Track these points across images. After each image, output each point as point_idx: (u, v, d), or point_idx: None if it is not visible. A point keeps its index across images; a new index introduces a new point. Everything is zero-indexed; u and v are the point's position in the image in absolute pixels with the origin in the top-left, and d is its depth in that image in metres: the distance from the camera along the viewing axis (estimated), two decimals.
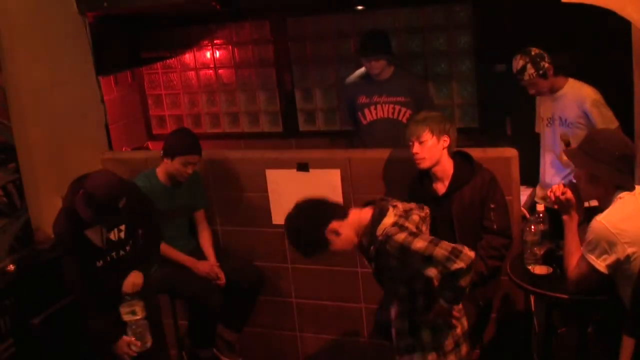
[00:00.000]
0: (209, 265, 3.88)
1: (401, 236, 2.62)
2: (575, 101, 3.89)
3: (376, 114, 4.47)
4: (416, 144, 3.30)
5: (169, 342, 4.27)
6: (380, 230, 2.68)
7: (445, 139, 3.30)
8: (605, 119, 3.79)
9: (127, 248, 3.49)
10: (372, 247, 2.74)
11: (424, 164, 3.31)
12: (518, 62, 3.87)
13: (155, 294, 3.94)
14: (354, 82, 4.60)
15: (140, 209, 3.48)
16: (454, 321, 2.81)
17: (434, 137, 3.28)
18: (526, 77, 3.86)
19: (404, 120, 4.34)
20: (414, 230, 2.68)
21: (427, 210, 2.93)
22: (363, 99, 4.48)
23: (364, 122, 4.51)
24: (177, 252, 3.89)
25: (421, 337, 2.81)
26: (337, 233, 2.75)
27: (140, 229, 3.55)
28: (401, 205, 2.81)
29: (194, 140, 3.83)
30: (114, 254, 3.45)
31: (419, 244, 2.60)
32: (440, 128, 3.30)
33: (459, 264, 2.56)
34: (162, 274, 3.87)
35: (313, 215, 2.80)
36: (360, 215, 2.78)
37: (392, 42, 5.20)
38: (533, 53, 3.84)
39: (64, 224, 3.35)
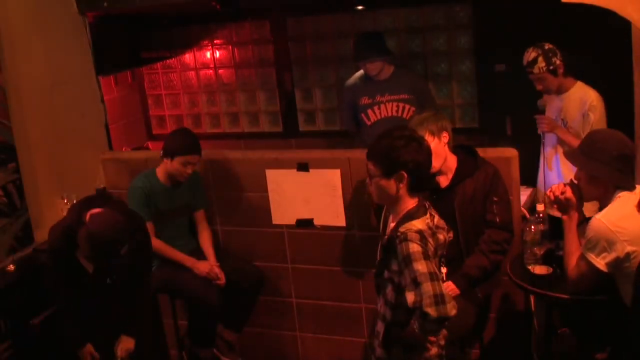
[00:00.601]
0: (208, 265, 3.88)
1: (414, 247, 2.51)
2: (578, 104, 3.88)
3: (380, 113, 4.47)
4: None
5: (169, 342, 4.28)
6: (405, 228, 2.57)
7: (445, 135, 3.31)
8: (596, 126, 3.78)
9: (114, 277, 3.36)
10: (386, 237, 2.68)
11: (434, 167, 3.30)
12: (530, 54, 3.84)
13: (155, 294, 3.95)
14: (354, 84, 4.61)
15: (139, 258, 3.35)
16: (427, 344, 2.68)
17: (435, 138, 3.29)
18: (536, 70, 3.83)
19: (408, 117, 4.35)
20: (432, 250, 2.57)
21: (451, 234, 2.83)
22: (365, 100, 4.49)
23: (368, 122, 4.51)
24: (176, 252, 3.89)
25: (392, 352, 2.73)
26: (396, 183, 2.59)
27: (132, 276, 3.40)
28: (436, 218, 2.69)
29: (193, 140, 3.83)
30: (100, 280, 3.33)
31: (421, 266, 2.49)
32: (438, 127, 3.30)
33: (430, 309, 2.45)
34: (162, 274, 3.87)
35: (415, 154, 2.58)
36: (409, 201, 2.64)
37: (392, 42, 5.24)
38: (546, 47, 3.82)
39: (59, 239, 3.25)
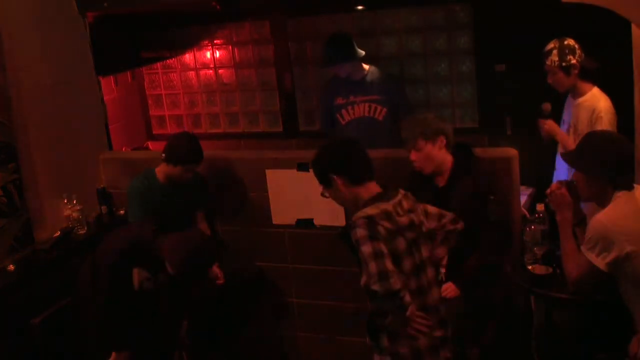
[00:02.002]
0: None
1: (360, 232, 2.64)
2: (588, 112, 3.80)
3: (353, 113, 4.57)
4: (413, 152, 3.30)
5: None
6: (355, 216, 2.71)
7: (442, 139, 3.30)
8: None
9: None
10: (341, 227, 2.83)
11: (425, 171, 3.33)
12: (549, 45, 3.79)
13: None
14: (329, 85, 4.75)
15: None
16: (414, 333, 2.73)
17: (429, 143, 3.28)
18: (548, 62, 3.78)
19: (380, 117, 4.50)
20: (383, 233, 2.65)
21: (460, 225, 2.95)
22: (340, 100, 4.60)
23: (343, 122, 4.61)
24: None
25: (379, 340, 2.79)
26: (336, 186, 2.79)
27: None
28: (406, 203, 2.78)
29: (197, 148, 3.81)
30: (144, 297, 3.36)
31: (365, 247, 2.62)
32: (433, 130, 3.30)
33: (375, 286, 2.58)
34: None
35: (332, 156, 2.84)
36: (366, 191, 2.79)
37: (393, 42, 5.26)
38: (566, 42, 3.75)
39: (124, 253, 3.30)
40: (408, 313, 2.65)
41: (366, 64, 4.60)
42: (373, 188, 2.79)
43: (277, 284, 4.17)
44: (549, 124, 3.88)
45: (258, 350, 4.30)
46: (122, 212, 4.25)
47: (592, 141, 2.87)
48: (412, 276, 2.73)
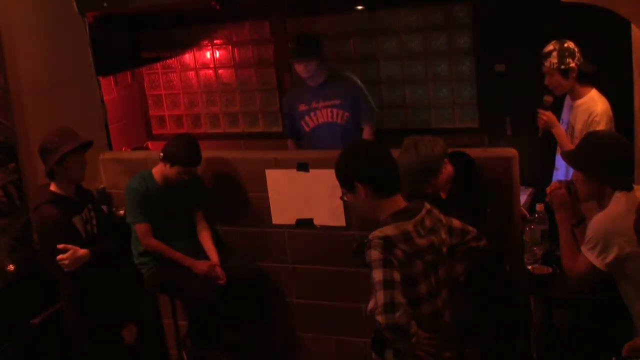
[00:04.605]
0: (208, 265, 3.88)
1: (375, 254, 2.56)
2: (584, 115, 3.81)
3: (317, 119, 4.63)
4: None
5: (169, 342, 4.29)
6: (372, 235, 2.61)
7: (445, 162, 3.22)
8: None
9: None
10: (357, 244, 2.72)
11: (444, 194, 3.29)
12: (548, 46, 3.79)
13: (155, 294, 3.96)
14: (292, 92, 4.84)
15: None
16: (422, 354, 2.67)
17: (438, 174, 3.22)
18: (547, 64, 3.78)
19: (342, 122, 4.57)
20: (400, 256, 2.57)
21: (483, 242, 2.88)
22: (302, 107, 4.66)
23: (307, 129, 4.67)
24: (175, 252, 3.88)
25: (385, 356, 2.75)
26: (358, 194, 2.67)
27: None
28: (429, 221, 2.69)
29: (196, 151, 3.81)
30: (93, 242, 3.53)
31: (377, 274, 2.55)
32: (436, 164, 3.19)
33: (380, 317, 2.52)
34: (162, 274, 3.87)
35: (360, 161, 2.69)
36: (390, 204, 2.67)
37: (392, 42, 5.26)
38: (566, 45, 3.76)
39: (54, 210, 3.41)
40: (413, 341, 2.59)
41: (328, 69, 4.64)
42: (398, 202, 2.68)
43: (277, 284, 4.17)
44: (548, 115, 3.88)
45: (258, 349, 4.30)
46: (121, 212, 4.24)
47: (592, 141, 2.87)
48: (426, 301, 2.68)
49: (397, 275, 2.56)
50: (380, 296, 2.53)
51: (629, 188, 2.79)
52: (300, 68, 4.56)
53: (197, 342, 4.07)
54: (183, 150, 3.78)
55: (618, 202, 2.76)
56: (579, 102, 3.87)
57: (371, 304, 2.57)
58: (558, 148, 4.07)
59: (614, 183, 2.78)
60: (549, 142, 4.07)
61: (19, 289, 3.74)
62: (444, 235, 2.76)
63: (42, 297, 3.78)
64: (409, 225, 2.62)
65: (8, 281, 3.73)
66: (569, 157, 2.96)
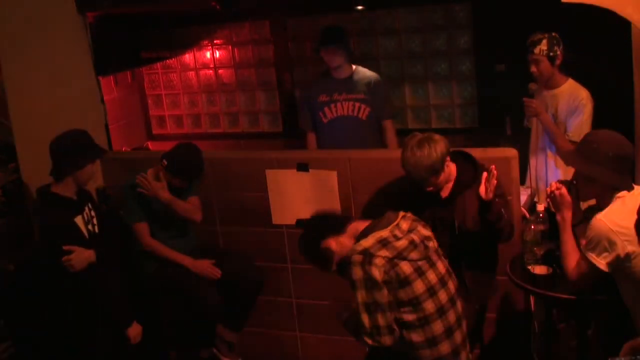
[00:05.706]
0: (207, 264, 3.87)
1: (356, 273, 2.68)
2: (568, 100, 3.89)
3: (336, 111, 4.56)
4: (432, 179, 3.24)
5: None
6: (351, 251, 2.72)
7: (447, 159, 3.21)
8: (583, 125, 3.79)
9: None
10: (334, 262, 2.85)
11: (445, 193, 3.30)
12: (535, 35, 3.88)
13: (155, 293, 3.95)
14: (315, 81, 4.74)
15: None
16: None
17: (440, 173, 3.20)
18: (537, 51, 3.85)
19: (364, 117, 4.49)
20: (382, 263, 2.66)
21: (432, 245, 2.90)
22: (323, 97, 4.58)
23: (325, 120, 4.59)
24: (173, 252, 3.89)
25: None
26: (330, 249, 2.82)
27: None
28: (405, 224, 2.77)
29: (200, 165, 3.81)
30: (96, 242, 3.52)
31: (359, 295, 2.66)
32: (439, 161, 3.15)
33: (367, 339, 2.67)
34: (161, 274, 3.87)
35: (310, 235, 2.92)
36: (359, 226, 2.81)
37: (393, 42, 5.26)
38: (553, 34, 3.86)
39: (59, 213, 3.41)
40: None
41: (354, 64, 4.60)
42: (358, 226, 2.82)
43: (277, 284, 4.16)
44: (536, 103, 3.92)
45: (257, 349, 4.30)
46: (121, 212, 4.24)
47: (592, 141, 2.87)
48: (427, 298, 2.72)
49: (379, 294, 2.64)
50: (364, 319, 2.63)
51: (629, 188, 2.79)
52: (327, 58, 4.49)
53: (196, 342, 4.06)
54: (188, 164, 3.79)
55: (619, 202, 2.76)
56: (557, 90, 3.95)
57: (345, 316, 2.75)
58: (532, 143, 4.13)
59: (614, 183, 2.78)
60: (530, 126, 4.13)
61: (19, 289, 3.74)
62: (423, 231, 2.82)
63: (41, 296, 3.78)
64: (384, 232, 2.72)
65: (8, 281, 3.73)
66: (569, 157, 2.96)
